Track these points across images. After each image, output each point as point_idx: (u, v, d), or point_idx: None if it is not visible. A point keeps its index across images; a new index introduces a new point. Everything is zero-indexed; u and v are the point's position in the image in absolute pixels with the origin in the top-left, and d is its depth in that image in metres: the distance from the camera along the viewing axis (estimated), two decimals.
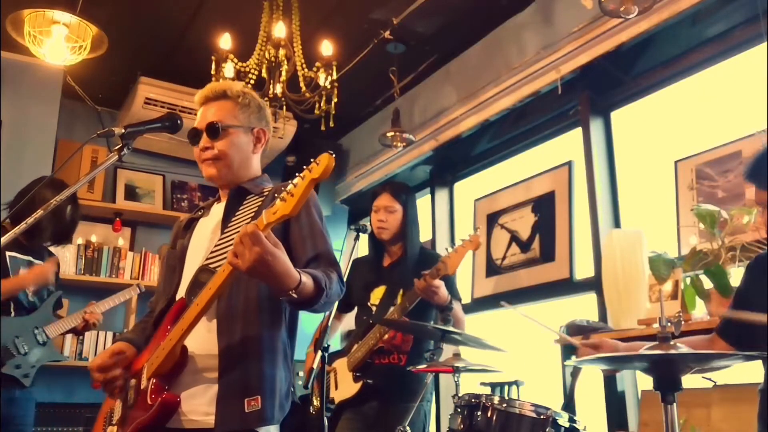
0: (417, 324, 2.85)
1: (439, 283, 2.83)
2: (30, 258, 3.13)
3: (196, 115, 1.95)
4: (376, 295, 3.13)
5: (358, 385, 2.94)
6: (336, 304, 2.39)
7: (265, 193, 1.89)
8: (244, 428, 1.66)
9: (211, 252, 1.78)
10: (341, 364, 3.04)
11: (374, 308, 3.10)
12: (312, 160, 1.43)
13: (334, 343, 3.66)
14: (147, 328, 1.90)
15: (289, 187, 1.45)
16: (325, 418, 2.77)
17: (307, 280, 1.60)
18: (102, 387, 1.78)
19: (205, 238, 1.89)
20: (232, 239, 1.75)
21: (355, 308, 3.26)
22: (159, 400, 1.63)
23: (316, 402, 2.87)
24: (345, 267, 2.76)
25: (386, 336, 2.96)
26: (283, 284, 1.54)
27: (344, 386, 2.99)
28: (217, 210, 1.95)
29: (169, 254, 1.99)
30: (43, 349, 2.96)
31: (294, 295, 1.57)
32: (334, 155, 1.42)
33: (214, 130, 1.87)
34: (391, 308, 2.98)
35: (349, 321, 3.50)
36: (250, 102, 1.96)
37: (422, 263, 2.99)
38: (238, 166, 1.91)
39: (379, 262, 3.21)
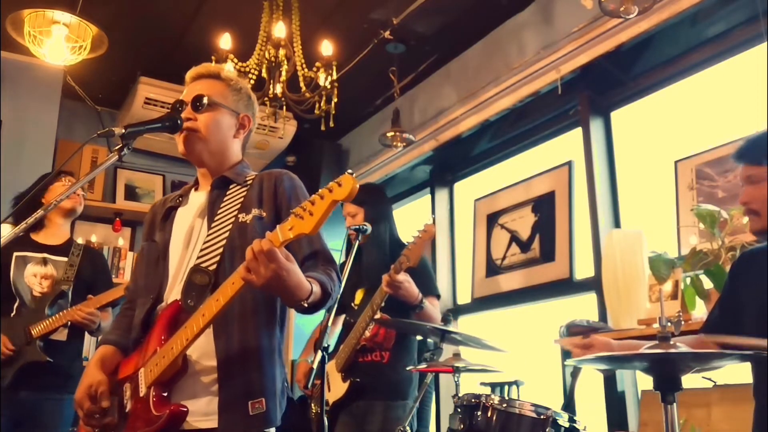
0: (414, 323, 2.86)
1: (403, 278, 2.81)
2: (45, 255, 3.11)
3: None
4: (359, 295, 3.15)
5: (346, 384, 2.96)
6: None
7: (249, 182, 1.87)
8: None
9: (202, 250, 1.75)
10: (330, 367, 3.05)
11: (356, 308, 3.11)
12: (335, 180, 1.41)
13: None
14: (131, 326, 1.85)
15: (306, 204, 1.44)
16: (326, 419, 2.77)
17: (317, 289, 1.61)
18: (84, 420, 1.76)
19: (188, 231, 1.84)
20: (220, 234, 1.75)
21: None
22: (167, 413, 1.61)
23: (315, 407, 2.87)
24: (345, 268, 2.76)
25: (367, 334, 2.97)
26: (296, 296, 1.55)
27: (335, 387, 3.01)
28: (197, 199, 1.91)
29: (149, 247, 1.91)
30: (27, 348, 2.94)
31: (305, 305, 1.59)
32: (355, 176, 1.42)
33: (200, 102, 1.84)
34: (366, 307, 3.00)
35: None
36: (241, 88, 1.95)
37: (396, 258, 2.97)
38: (215, 146, 1.87)
39: (360, 264, 3.22)
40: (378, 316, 2.92)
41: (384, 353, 3.02)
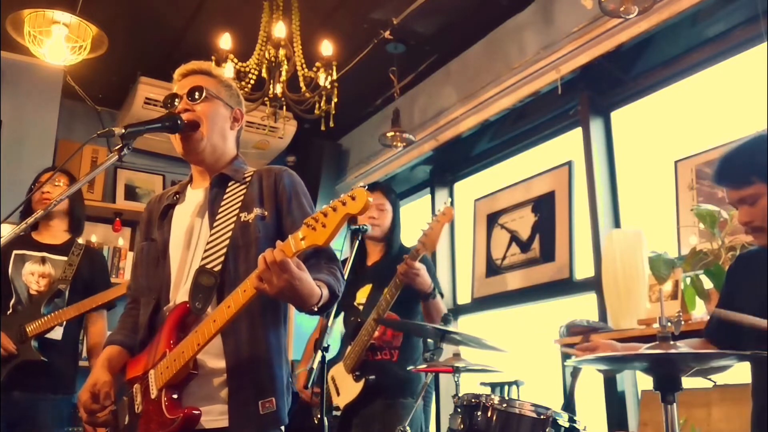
0: (415, 324, 2.86)
1: (420, 266, 2.86)
2: (44, 254, 3.10)
3: None
4: (362, 294, 3.12)
5: (361, 384, 2.93)
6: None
7: (247, 179, 1.87)
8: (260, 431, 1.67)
9: (206, 250, 1.75)
10: (338, 370, 3.02)
11: (361, 307, 3.09)
12: (348, 193, 1.43)
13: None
14: (136, 326, 1.86)
15: (318, 215, 1.45)
16: (326, 419, 2.76)
17: (326, 293, 1.64)
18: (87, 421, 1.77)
19: (187, 230, 1.84)
20: (223, 234, 1.76)
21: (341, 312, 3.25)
22: (182, 416, 1.62)
23: (317, 415, 2.86)
24: (346, 269, 2.76)
25: (376, 333, 2.97)
26: (307, 303, 1.59)
27: (346, 389, 2.98)
28: (194, 197, 1.90)
29: (148, 246, 1.90)
30: (22, 347, 2.93)
31: (315, 310, 1.62)
32: (368, 190, 1.42)
33: (197, 93, 1.85)
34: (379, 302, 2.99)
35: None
36: (231, 86, 1.98)
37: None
38: (215, 138, 1.87)
39: (362, 262, 3.21)
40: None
41: (393, 351, 3.02)
